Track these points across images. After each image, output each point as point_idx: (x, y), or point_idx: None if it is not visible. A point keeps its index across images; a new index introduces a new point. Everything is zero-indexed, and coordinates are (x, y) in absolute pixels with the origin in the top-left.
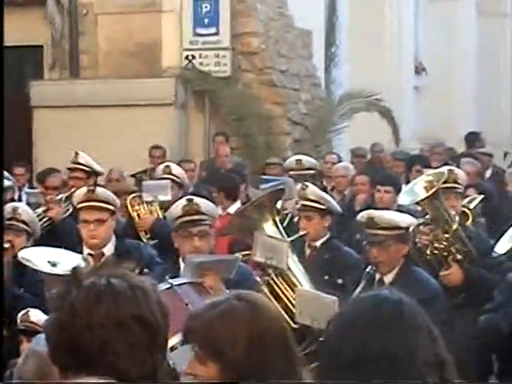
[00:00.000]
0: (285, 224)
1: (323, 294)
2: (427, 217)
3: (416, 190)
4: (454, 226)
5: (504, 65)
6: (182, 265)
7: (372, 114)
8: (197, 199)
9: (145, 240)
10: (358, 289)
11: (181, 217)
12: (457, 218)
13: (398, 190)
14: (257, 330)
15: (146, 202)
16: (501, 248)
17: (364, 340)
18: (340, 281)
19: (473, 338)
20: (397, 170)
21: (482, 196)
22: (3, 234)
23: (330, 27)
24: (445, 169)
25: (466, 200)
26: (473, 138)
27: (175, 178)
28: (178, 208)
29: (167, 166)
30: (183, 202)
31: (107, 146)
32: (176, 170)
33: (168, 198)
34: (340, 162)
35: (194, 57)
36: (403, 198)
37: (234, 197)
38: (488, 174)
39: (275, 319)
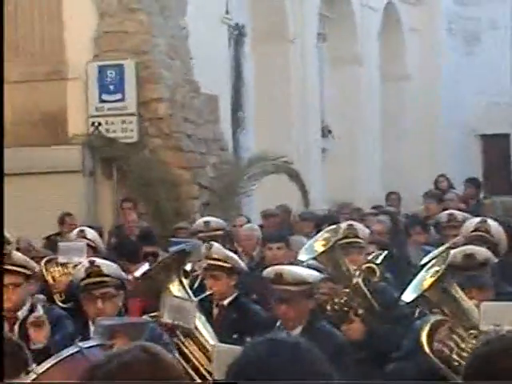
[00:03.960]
0: (195, 286)
1: (240, 347)
2: (327, 272)
3: (315, 246)
4: (354, 281)
5: (408, 125)
6: (91, 327)
7: (281, 176)
8: (99, 261)
9: (58, 302)
10: None
11: (84, 279)
12: (357, 273)
13: (288, 245)
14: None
15: (61, 264)
16: (407, 297)
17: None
18: (249, 339)
19: None
20: (306, 231)
21: (386, 252)
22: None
23: (237, 92)
24: (342, 224)
25: (371, 256)
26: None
27: (90, 242)
28: (81, 270)
29: (82, 231)
30: (86, 264)
31: (15, 214)
32: (90, 234)
33: (83, 260)
34: None
35: (100, 123)
36: (303, 255)
37: (137, 260)
38: None
39: (177, 373)
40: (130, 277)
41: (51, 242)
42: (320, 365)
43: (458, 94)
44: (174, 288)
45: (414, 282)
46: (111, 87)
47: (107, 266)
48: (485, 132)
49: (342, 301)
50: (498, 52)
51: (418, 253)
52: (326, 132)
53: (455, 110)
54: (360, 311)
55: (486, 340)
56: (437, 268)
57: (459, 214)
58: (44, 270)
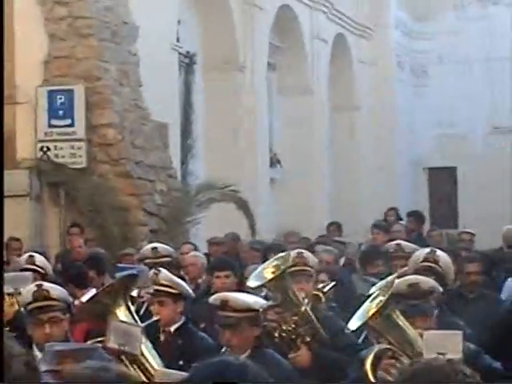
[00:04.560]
0: (141, 312)
1: (183, 372)
2: (275, 300)
3: (264, 273)
4: (303, 308)
5: (357, 156)
6: (36, 352)
7: (229, 205)
8: (47, 285)
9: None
10: None
11: (31, 303)
12: (306, 301)
13: (236, 273)
14: None
15: (7, 294)
16: (352, 325)
17: None
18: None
19: None
20: (253, 260)
21: (334, 282)
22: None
23: (186, 120)
24: (292, 252)
25: (320, 285)
26: (334, 227)
27: (38, 269)
28: (28, 294)
29: (31, 256)
30: (33, 287)
31: None
32: (39, 260)
33: None
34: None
35: (48, 148)
36: (251, 282)
37: (83, 285)
38: (342, 261)
39: None
40: (76, 302)
41: None
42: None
43: (406, 126)
44: (121, 313)
45: (360, 310)
46: (60, 112)
47: (54, 289)
48: (432, 165)
49: (290, 328)
50: (445, 86)
51: (364, 284)
52: (274, 161)
53: (404, 142)
54: (307, 339)
55: (410, 371)
56: (381, 297)
57: (406, 245)
58: None
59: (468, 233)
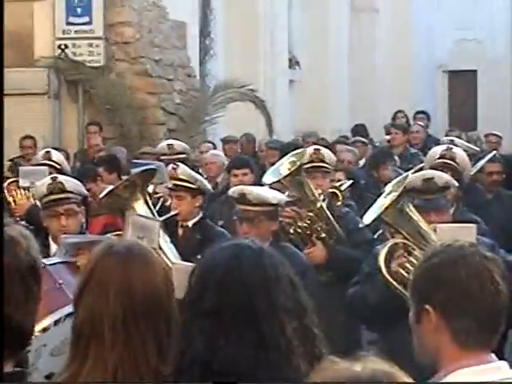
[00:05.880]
0: (157, 208)
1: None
2: (291, 195)
3: (280, 169)
4: (318, 205)
5: (376, 59)
6: (52, 244)
7: (247, 105)
8: (61, 177)
9: None
10: None
11: (46, 196)
12: (322, 197)
13: (253, 171)
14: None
15: (23, 188)
16: (367, 219)
17: (223, 288)
18: None
19: (343, 312)
20: (271, 159)
21: (352, 181)
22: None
23: (205, 20)
24: (309, 149)
25: (338, 183)
26: (359, 130)
27: (55, 165)
28: (43, 187)
29: (47, 152)
30: (48, 180)
31: None
32: (56, 156)
33: None
34: None
35: (66, 46)
36: (267, 178)
37: (93, 179)
38: (362, 162)
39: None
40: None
41: (16, 165)
42: (284, 269)
43: (427, 28)
44: (139, 207)
45: (374, 205)
46: (78, 10)
47: (69, 182)
48: (452, 68)
49: (305, 224)
50: None
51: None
52: (293, 63)
53: (423, 45)
54: (323, 235)
55: (431, 252)
56: (395, 192)
57: (459, 142)
58: (6, 192)
59: (495, 135)
